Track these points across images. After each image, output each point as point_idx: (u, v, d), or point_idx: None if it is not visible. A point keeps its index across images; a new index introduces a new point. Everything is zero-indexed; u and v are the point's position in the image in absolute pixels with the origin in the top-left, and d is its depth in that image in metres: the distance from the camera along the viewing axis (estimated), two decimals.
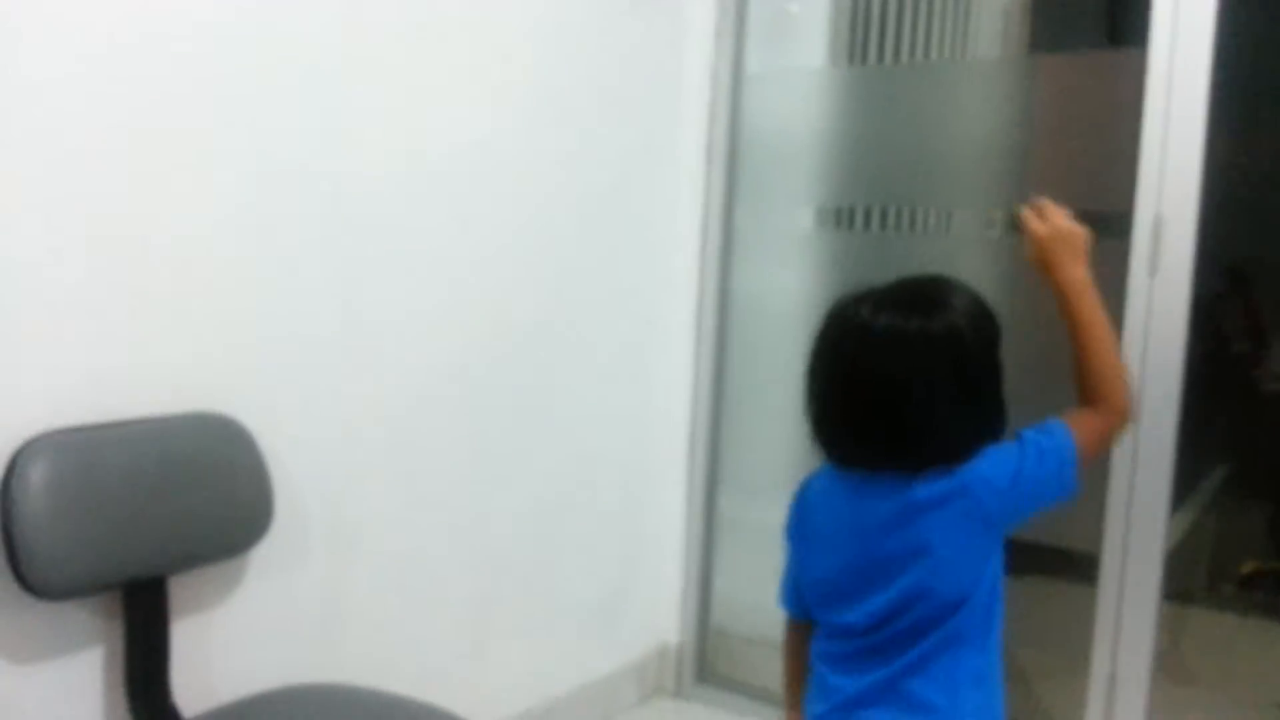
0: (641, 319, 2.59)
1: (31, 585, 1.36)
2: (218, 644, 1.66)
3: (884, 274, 2.70)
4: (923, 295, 1.31)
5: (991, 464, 1.26)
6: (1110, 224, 2.14)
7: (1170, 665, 2.86)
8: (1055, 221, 1.33)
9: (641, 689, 2.69)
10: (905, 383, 1.27)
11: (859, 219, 2.59)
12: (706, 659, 2.78)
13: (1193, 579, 3.45)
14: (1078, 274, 1.30)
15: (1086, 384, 1.30)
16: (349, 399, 1.86)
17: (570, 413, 2.40)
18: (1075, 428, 1.27)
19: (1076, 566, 2.25)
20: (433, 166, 1.99)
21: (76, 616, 1.48)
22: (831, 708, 1.33)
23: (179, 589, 1.57)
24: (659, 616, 2.75)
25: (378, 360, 1.91)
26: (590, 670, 2.53)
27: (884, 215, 2.56)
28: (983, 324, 1.30)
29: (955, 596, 1.26)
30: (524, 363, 2.25)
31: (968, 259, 2.47)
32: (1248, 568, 3.38)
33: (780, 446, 2.71)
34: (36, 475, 1.38)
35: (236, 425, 1.64)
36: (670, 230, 2.65)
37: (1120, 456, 2.12)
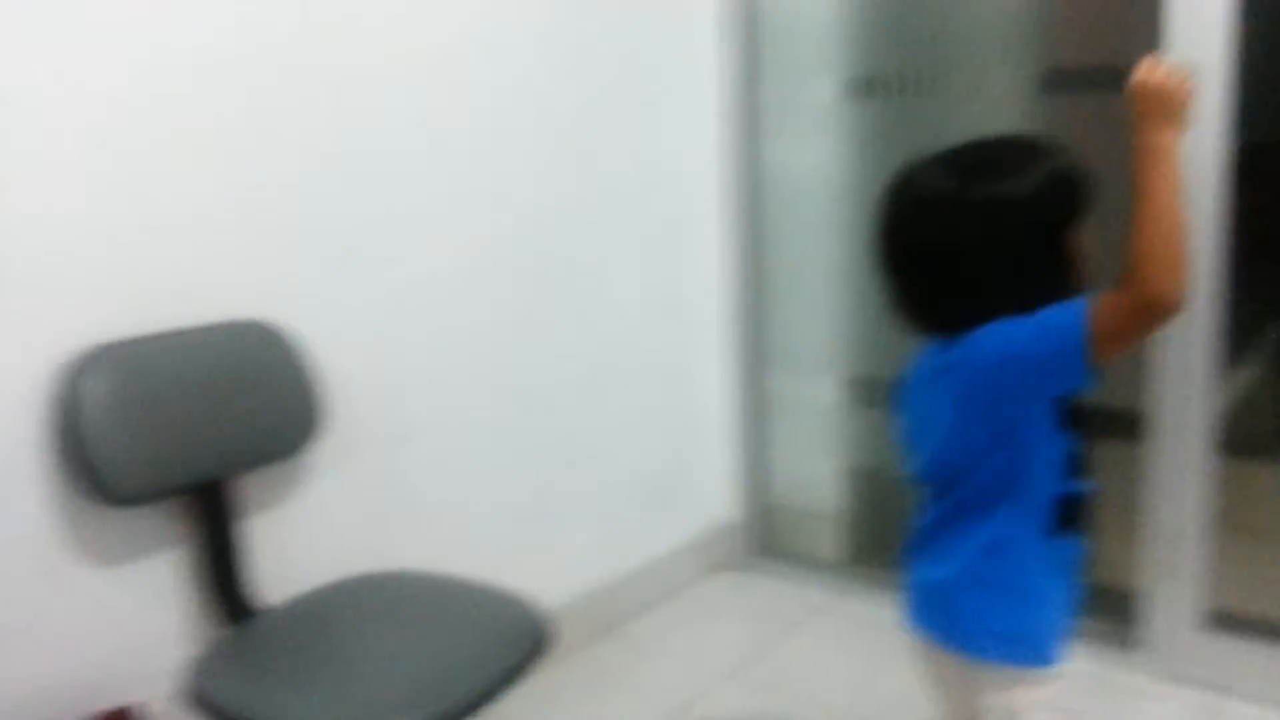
0: (673, 198, 2.58)
1: (106, 494, 1.43)
2: (287, 539, 1.74)
3: (916, 142, 2.64)
4: (985, 158, 1.25)
5: (990, 338, 1.19)
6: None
7: (1232, 520, 2.86)
8: (1158, 76, 1.16)
9: (702, 565, 2.77)
10: (927, 246, 1.25)
11: (888, 86, 2.52)
12: (765, 533, 2.84)
13: (1257, 433, 3.40)
14: (1159, 138, 1.14)
15: (1126, 260, 1.14)
16: (389, 294, 1.90)
17: (611, 295, 2.42)
18: (1093, 309, 1.13)
19: (1129, 424, 2.23)
20: (454, 53, 1.99)
21: (153, 521, 1.56)
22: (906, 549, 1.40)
23: (248, 490, 1.65)
24: (716, 493, 2.81)
25: (414, 254, 1.95)
26: (651, 548, 2.61)
27: (915, 80, 2.48)
28: (1048, 197, 1.21)
29: (957, 467, 1.26)
30: (558, 246, 2.27)
31: (1001, 120, 2.40)
32: None
33: (824, 323, 2.71)
34: (97, 387, 1.44)
35: (279, 331, 1.69)
36: (694, 107, 2.62)
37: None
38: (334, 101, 1.79)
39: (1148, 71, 1.16)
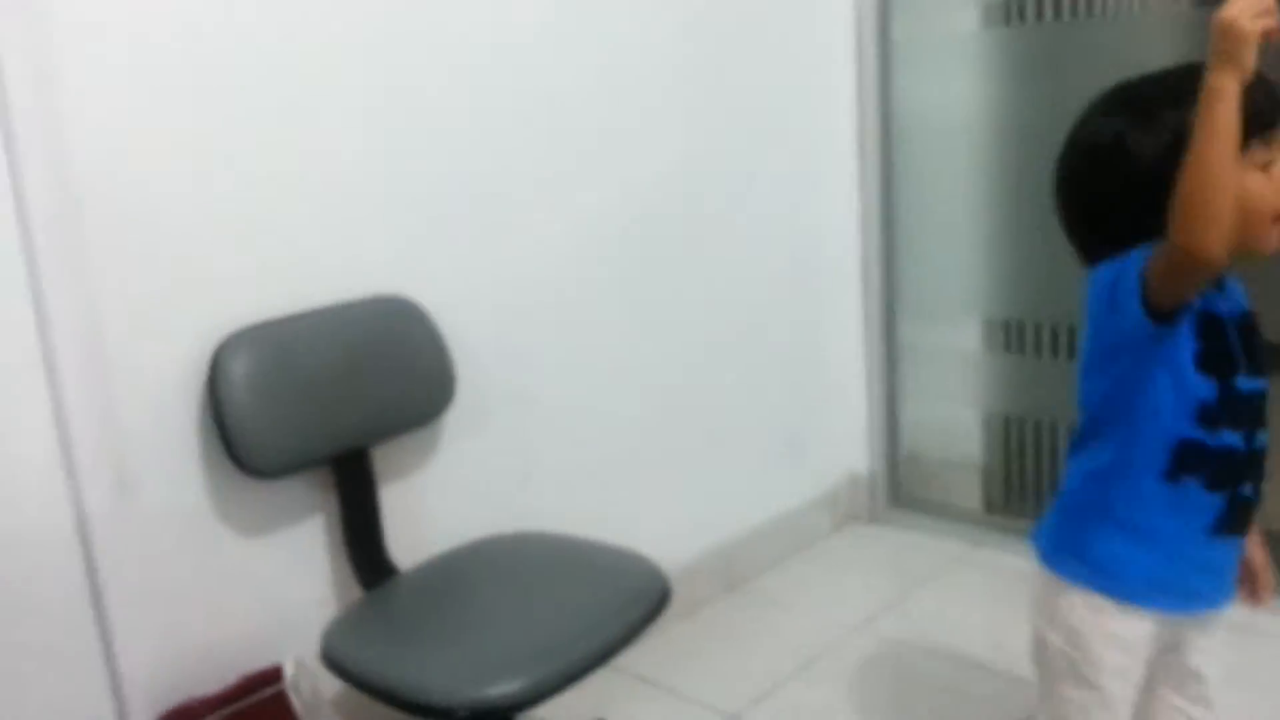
0: (800, 143, 2.52)
1: (248, 468, 1.51)
2: (423, 503, 1.80)
3: (1064, 72, 2.50)
4: (1141, 95, 1.21)
5: (1098, 271, 1.21)
6: None
7: None
8: (1233, 12, 1.06)
9: (835, 517, 2.74)
10: (1065, 183, 1.27)
11: (1031, 9, 2.38)
12: (898, 483, 2.79)
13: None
14: (1215, 80, 1.06)
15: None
16: (511, 260, 1.92)
17: (739, 246, 2.39)
18: (1152, 255, 1.13)
19: None
20: (570, 10, 1.97)
21: (295, 491, 1.64)
22: None
23: (381, 458, 1.71)
24: (847, 445, 2.77)
25: (536, 219, 1.95)
26: (782, 502, 2.60)
27: (1058, 2, 2.33)
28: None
29: (1080, 394, 1.28)
30: (685, 200, 2.24)
31: (1157, 44, 2.24)
32: None
33: (959, 268, 2.61)
34: (238, 369, 1.51)
35: (412, 304, 1.73)
36: (822, 42, 2.54)
37: None
38: (455, 72, 1.80)
39: (1229, 5, 1.07)
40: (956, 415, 2.70)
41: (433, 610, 1.55)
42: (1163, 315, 1.15)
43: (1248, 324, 1.23)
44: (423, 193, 1.78)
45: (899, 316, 2.71)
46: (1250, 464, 1.24)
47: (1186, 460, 1.21)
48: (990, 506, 2.66)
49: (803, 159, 2.53)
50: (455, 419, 1.81)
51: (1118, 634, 1.28)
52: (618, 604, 1.53)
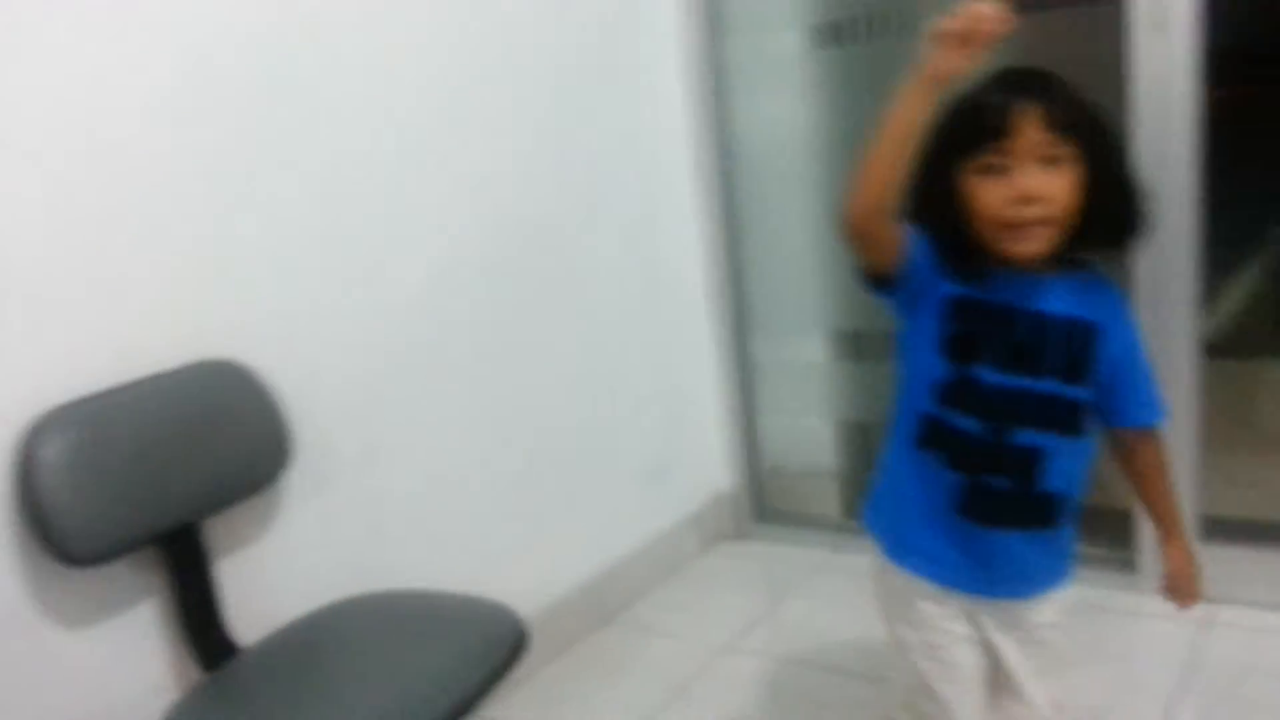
0: (642, 170, 2.53)
1: (68, 556, 1.42)
2: (265, 574, 1.73)
3: (888, 89, 2.58)
4: None
5: None
6: None
7: (1238, 422, 2.81)
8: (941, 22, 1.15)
9: (703, 537, 2.76)
10: None
11: (855, 31, 2.45)
12: (761, 498, 2.83)
13: (1265, 330, 3.36)
14: (910, 78, 1.17)
15: None
16: (350, 317, 1.87)
17: (589, 278, 2.38)
18: None
19: None
20: (401, 57, 1.94)
21: (123, 574, 1.54)
22: None
23: (216, 530, 1.63)
24: (710, 464, 2.80)
25: (375, 272, 1.90)
26: (649, 529, 2.60)
27: (883, 22, 2.41)
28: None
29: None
30: (531, 237, 2.22)
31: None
32: None
33: (804, 283, 2.67)
34: (50, 453, 1.42)
35: (239, 367, 1.66)
36: (655, 68, 2.56)
37: None
38: (293, 118, 1.75)
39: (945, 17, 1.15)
40: (812, 426, 2.76)
41: (278, 686, 1.49)
42: (873, 281, 1.28)
43: (1052, 328, 1.26)
44: (251, 251, 1.71)
45: (750, 334, 2.75)
46: (998, 457, 1.27)
47: (927, 434, 1.30)
48: (849, 512, 2.72)
49: (645, 186, 2.54)
50: (295, 482, 1.75)
51: (905, 595, 1.38)
52: (473, 655, 1.50)
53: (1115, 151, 1.25)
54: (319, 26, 1.80)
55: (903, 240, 1.25)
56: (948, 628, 1.36)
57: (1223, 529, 2.17)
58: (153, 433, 1.53)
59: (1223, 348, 3.02)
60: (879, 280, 1.28)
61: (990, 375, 1.26)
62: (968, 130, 1.21)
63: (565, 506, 2.35)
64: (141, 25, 1.56)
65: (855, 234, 1.23)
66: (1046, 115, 1.18)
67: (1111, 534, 2.28)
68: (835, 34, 2.49)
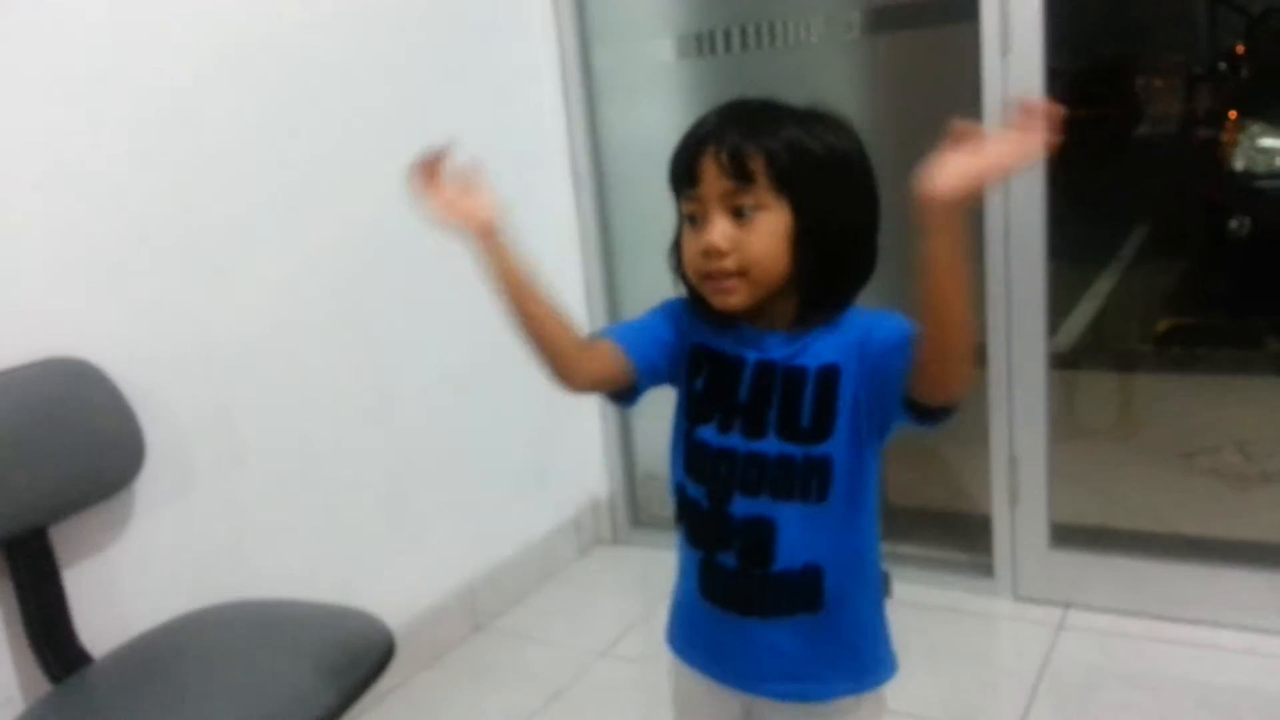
0: (516, 175, 2.53)
1: None
2: (117, 581, 1.66)
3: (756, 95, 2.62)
4: None
5: None
6: (960, 6, 2.11)
7: (1088, 427, 2.97)
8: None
9: (580, 542, 2.77)
10: None
11: (719, 42, 2.51)
12: (637, 503, 2.85)
13: (1113, 342, 3.55)
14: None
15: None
16: (210, 314, 1.81)
17: (458, 281, 2.33)
18: None
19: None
20: (260, 53, 1.89)
21: None
22: None
23: (64, 536, 1.56)
24: (587, 471, 2.80)
25: (231, 273, 1.85)
26: (526, 534, 2.59)
27: (743, 34, 2.48)
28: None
29: None
30: (400, 242, 2.17)
31: (833, 69, 2.42)
32: (1163, 325, 3.49)
33: (677, 291, 2.70)
34: None
35: (87, 365, 1.60)
36: (528, 76, 2.57)
37: (993, 235, 2.14)
38: (148, 111, 1.69)
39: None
40: None
41: (129, 697, 1.43)
42: (621, 396, 1.19)
43: (780, 379, 1.08)
44: (100, 249, 1.64)
45: None
46: (721, 529, 1.10)
47: (678, 505, 1.16)
48: None
49: (519, 188, 2.52)
50: (149, 486, 1.69)
51: (671, 678, 1.26)
52: (336, 665, 1.46)
53: (832, 205, 1.04)
54: (168, 23, 1.74)
55: (616, 352, 1.15)
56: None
57: (1072, 535, 2.29)
58: None
59: (1071, 359, 3.21)
60: (627, 391, 1.17)
61: (707, 434, 1.11)
62: (672, 176, 1.10)
63: (439, 512, 2.32)
64: None
65: (590, 389, 1.16)
66: (730, 162, 1.03)
67: (969, 540, 2.38)
68: (699, 45, 2.55)
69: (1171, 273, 3.55)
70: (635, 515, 2.85)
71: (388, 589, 2.13)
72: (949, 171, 0.87)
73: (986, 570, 2.33)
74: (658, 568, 2.68)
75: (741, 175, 1.03)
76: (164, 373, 1.72)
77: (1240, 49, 3.24)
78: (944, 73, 2.24)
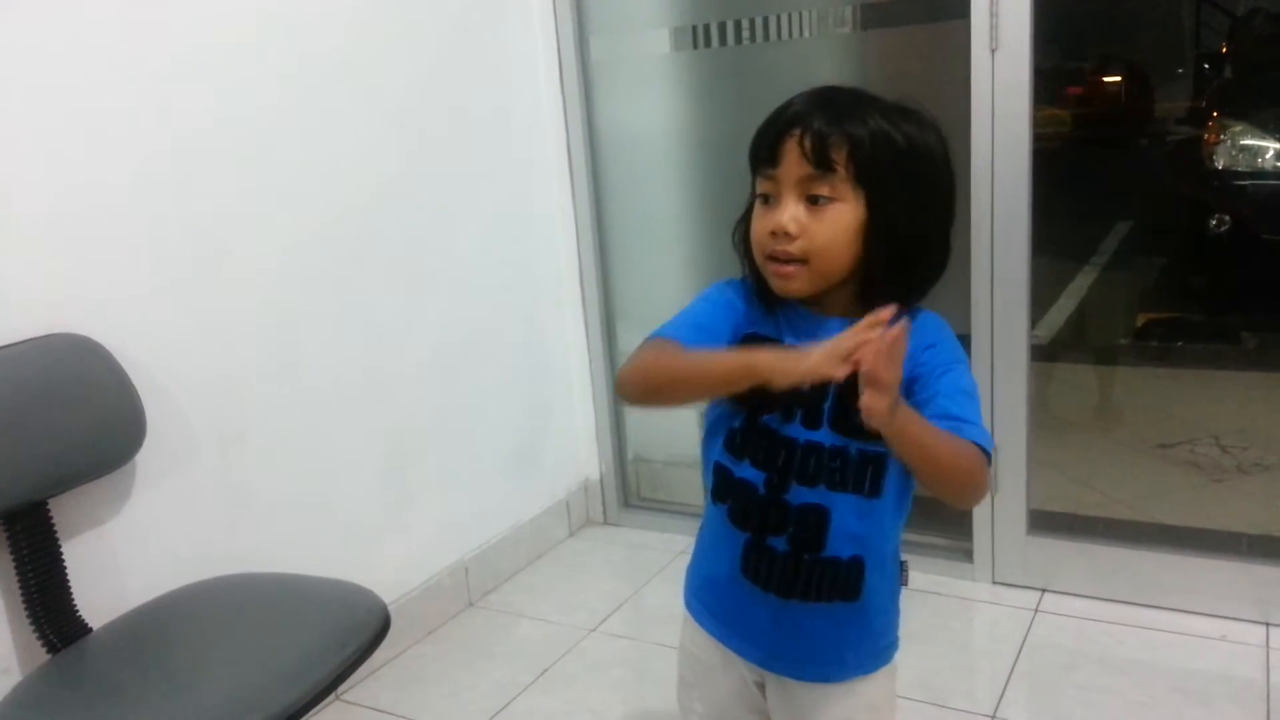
0: (513, 163, 2.57)
1: None
2: (116, 555, 1.70)
3: (744, 91, 2.69)
4: None
5: None
6: (950, 3, 2.14)
7: (1066, 420, 3.02)
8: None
9: (571, 522, 2.81)
10: None
11: (714, 35, 2.54)
12: (627, 485, 2.90)
13: (1094, 335, 3.60)
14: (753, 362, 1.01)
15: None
16: (212, 292, 1.84)
17: (455, 265, 2.40)
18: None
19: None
20: (262, 36, 1.92)
21: None
22: None
23: (65, 509, 1.60)
24: (578, 453, 2.85)
25: (230, 253, 1.88)
26: (518, 513, 2.64)
27: (738, 28, 2.51)
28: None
29: None
30: (398, 225, 2.23)
31: (826, 63, 2.45)
32: (1143, 319, 3.54)
33: (668, 275, 2.74)
34: None
35: (89, 341, 1.63)
36: (526, 66, 2.60)
37: (979, 230, 2.18)
38: (149, 99, 1.72)
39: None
40: (676, 417, 2.83)
41: (128, 669, 1.47)
42: None
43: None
44: (103, 227, 1.67)
45: (618, 325, 2.81)
46: (776, 514, 1.12)
47: (719, 484, 1.18)
48: None
49: (517, 179, 2.58)
50: (150, 461, 1.72)
51: (683, 642, 1.30)
52: (332, 638, 1.49)
53: (908, 202, 1.06)
54: (167, 11, 1.76)
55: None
56: (705, 677, 1.27)
57: (1051, 523, 2.35)
58: None
59: (1053, 351, 3.26)
60: None
61: (774, 423, 1.12)
62: (752, 153, 1.11)
63: (433, 491, 2.37)
64: None
65: (635, 403, 1.20)
66: (812, 149, 1.04)
67: (949, 525, 2.43)
68: (694, 38, 2.58)
69: (1152, 269, 3.61)
70: (625, 497, 2.90)
71: (383, 565, 2.18)
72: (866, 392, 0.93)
73: (966, 555, 2.38)
74: (647, 548, 2.76)
75: (823, 163, 1.04)
76: (165, 349, 1.76)
77: (1224, 49, 3.28)
78: (934, 69, 2.28)
